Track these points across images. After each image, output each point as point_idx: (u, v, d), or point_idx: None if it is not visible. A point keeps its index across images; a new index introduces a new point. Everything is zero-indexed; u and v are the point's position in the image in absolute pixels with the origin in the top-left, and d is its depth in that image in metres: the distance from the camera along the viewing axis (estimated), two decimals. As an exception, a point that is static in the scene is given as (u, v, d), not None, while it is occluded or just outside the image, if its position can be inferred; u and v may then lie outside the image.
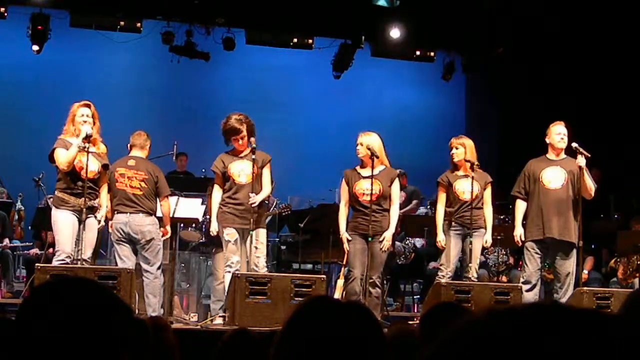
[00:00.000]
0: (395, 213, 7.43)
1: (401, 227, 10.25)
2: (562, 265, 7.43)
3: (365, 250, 7.26)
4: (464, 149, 7.62)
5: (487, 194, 7.69)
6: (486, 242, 7.60)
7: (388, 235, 7.30)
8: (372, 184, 7.20)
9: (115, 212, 7.19)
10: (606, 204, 10.60)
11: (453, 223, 7.57)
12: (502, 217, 10.22)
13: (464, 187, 7.60)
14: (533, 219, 7.52)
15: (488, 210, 7.68)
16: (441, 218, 7.62)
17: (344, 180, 7.49)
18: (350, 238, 7.31)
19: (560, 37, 11.48)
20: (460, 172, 7.66)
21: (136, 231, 7.13)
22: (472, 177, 7.55)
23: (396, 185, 7.47)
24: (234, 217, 7.18)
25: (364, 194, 7.31)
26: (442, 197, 7.68)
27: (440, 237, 7.57)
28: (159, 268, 7.25)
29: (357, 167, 7.47)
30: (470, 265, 7.51)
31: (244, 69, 12.93)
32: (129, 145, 7.47)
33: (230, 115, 7.32)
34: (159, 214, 7.41)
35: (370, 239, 7.21)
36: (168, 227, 7.49)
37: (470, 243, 7.47)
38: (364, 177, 7.34)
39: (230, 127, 7.22)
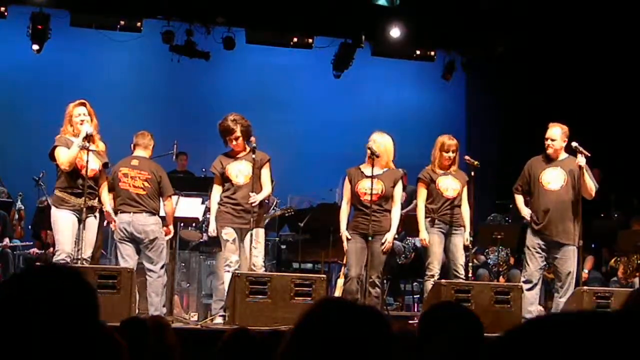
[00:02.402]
0: (396, 214, 7.41)
1: (402, 227, 10.25)
2: (563, 265, 7.43)
3: (364, 250, 7.25)
4: (457, 151, 7.62)
5: (465, 192, 7.66)
6: (466, 240, 7.58)
7: (389, 236, 7.30)
8: (372, 183, 7.20)
9: (119, 212, 7.21)
10: (606, 203, 10.60)
11: (436, 221, 7.54)
12: (503, 216, 10.24)
13: (447, 185, 7.58)
14: (533, 217, 7.52)
15: (466, 208, 7.64)
16: (422, 214, 7.58)
17: (347, 178, 7.47)
18: (350, 237, 7.30)
19: (560, 36, 11.48)
20: (444, 170, 7.63)
21: (139, 231, 7.14)
22: (472, 176, 7.55)
23: (399, 186, 7.47)
24: (231, 217, 7.20)
25: (365, 193, 7.30)
26: (422, 193, 7.63)
27: (424, 235, 7.51)
28: (162, 267, 7.26)
29: (361, 166, 7.46)
30: (460, 263, 7.51)
31: (244, 69, 12.92)
32: (132, 145, 7.50)
33: (227, 115, 7.35)
34: (161, 213, 7.43)
35: (370, 237, 7.21)
36: (171, 227, 7.52)
37: (467, 240, 7.50)
38: (367, 177, 7.33)
39: (224, 128, 7.27)
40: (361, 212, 7.32)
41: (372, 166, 7.22)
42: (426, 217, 7.56)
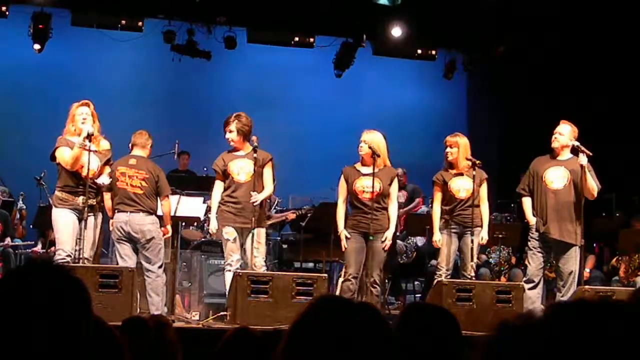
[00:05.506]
0: (394, 212, 7.41)
1: (403, 226, 10.25)
2: (565, 264, 7.42)
3: (363, 249, 7.25)
4: (457, 148, 7.59)
5: (483, 190, 7.64)
6: (482, 239, 7.56)
7: (389, 235, 7.31)
8: (373, 182, 7.21)
9: (116, 211, 7.21)
10: (608, 203, 10.59)
11: (450, 222, 7.54)
12: (504, 215, 10.23)
13: (460, 185, 7.56)
14: (536, 216, 7.52)
15: (484, 208, 7.63)
16: (437, 217, 7.58)
17: (342, 177, 7.47)
18: (349, 236, 7.30)
19: (561, 36, 11.47)
20: (455, 170, 7.62)
21: (136, 230, 7.13)
22: (474, 176, 7.53)
23: (395, 184, 7.48)
24: (231, 216, 7.20)
25: (363, 191, 7.30)
26: (437, 196, 7.64)
27: (437, 237, 7.53)
28: (160, 266, 7.25)
29: (356, 165, 7.47)
30: (470, 263, 7.51)
31: (246, 68, 12.93)
32: (130, 145, 7.49)
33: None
34: (159, 212, 7.42)
35: (371, 237, 7.21)
36: (169, 227, 7.50)
37: (472, 242, 7.48)
38: (364, 175, 7.33)
39: (225, 120, 7.38)
40: (360, 211, 7.31)
41: (374, 166, 7.23)
42: (440, 219, 7.57)
